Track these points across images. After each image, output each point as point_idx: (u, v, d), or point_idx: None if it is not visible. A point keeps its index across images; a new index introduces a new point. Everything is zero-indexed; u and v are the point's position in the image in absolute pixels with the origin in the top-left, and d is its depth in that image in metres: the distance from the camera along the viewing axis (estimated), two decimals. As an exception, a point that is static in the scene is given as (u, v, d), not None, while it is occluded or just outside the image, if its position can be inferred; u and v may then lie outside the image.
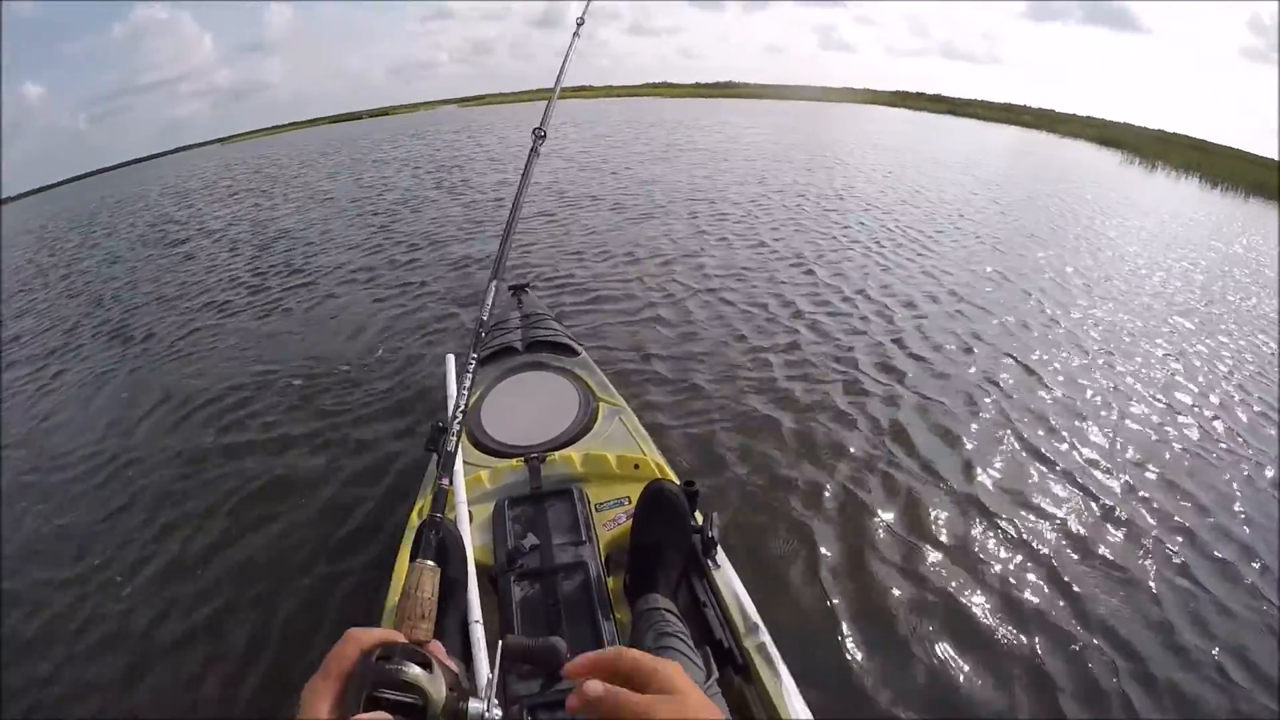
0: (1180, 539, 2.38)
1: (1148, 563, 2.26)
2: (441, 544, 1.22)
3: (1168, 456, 2.92)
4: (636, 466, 1.61)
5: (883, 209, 7.55)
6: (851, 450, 2.72)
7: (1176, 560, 2.26)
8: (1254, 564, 2.29)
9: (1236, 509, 2.58)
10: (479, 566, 1.30)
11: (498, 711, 0.48)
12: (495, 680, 0.53)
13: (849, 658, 1.78)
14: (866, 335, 3.91)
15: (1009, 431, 2.97)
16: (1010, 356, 3.74)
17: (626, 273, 5.05)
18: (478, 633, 1.08)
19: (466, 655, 1.08)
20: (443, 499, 1.54)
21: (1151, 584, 2.15)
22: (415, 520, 1.42)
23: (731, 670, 1.17)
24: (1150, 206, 10.20)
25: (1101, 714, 1.70)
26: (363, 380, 3.48)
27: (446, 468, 1.71)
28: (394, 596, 1.30)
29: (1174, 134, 24.79)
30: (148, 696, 1.79)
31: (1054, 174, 13.13)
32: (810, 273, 5.08)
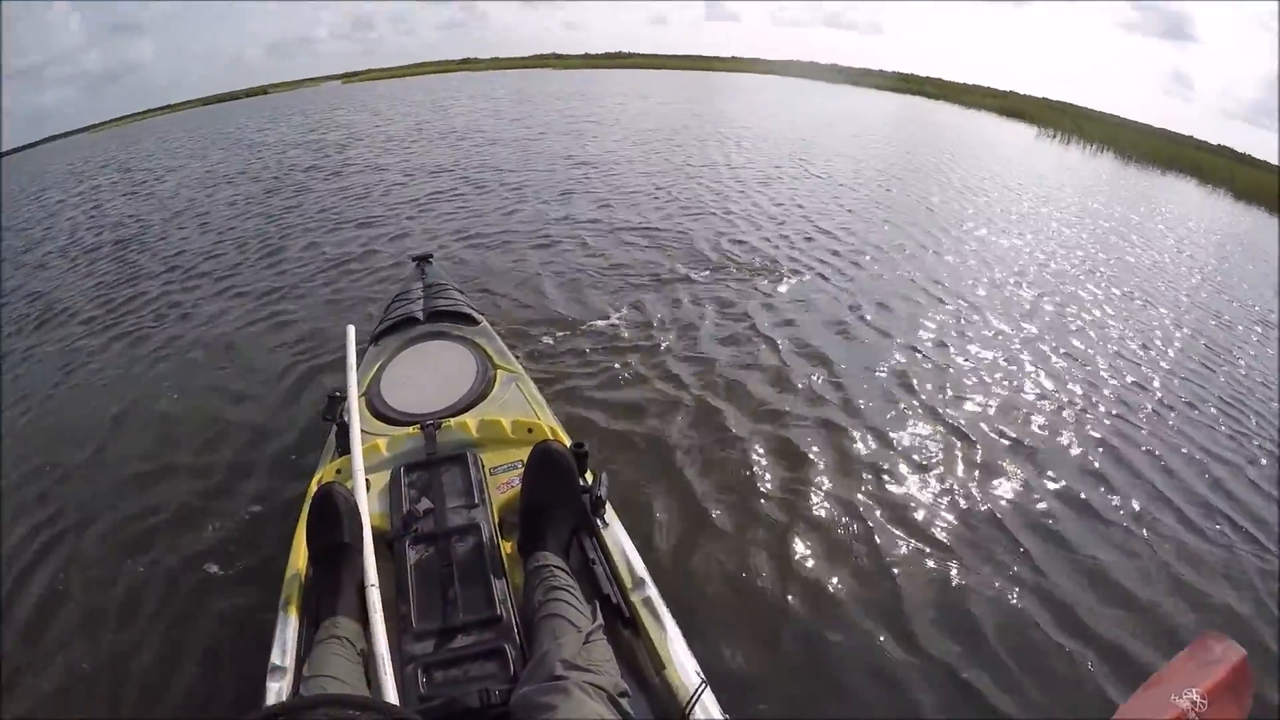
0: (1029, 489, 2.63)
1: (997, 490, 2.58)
2: (337, 511, 1.17)
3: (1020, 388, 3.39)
4: (530, 430, 1.65)
5: (765, 174, 7.98)
6: (742, 412, 2.87)
7: (1025, 511, 2.48)
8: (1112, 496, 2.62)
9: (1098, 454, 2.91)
10: (376, 532, 1.32)
11: None
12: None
13: (735, 611, 1.89)
14: (759, 302, 4.11)
15: (897, 385, 3.23)
16: (900, 311, 4.14)
17: (521, 242, 5.11)
18: (374, 597, 1.11)
19: (364, 619, 1.11)
20: (342, 468, 1.46)
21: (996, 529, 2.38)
22: (314, 489, 1.43)
23: (620, 624, 1.22)
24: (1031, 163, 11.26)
25: (972, 654, 1.88)
26: (261, 365, 3.35)
27: (343, 437, 1.63)
28: (293, 565, 1.31)
29: (1059, 101, 26.82)
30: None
31: (933, 132, 14.29)
32: (696, 224, 5.48)
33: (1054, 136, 18.33)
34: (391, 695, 0.94)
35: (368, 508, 1.32)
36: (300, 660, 1.09)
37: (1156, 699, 1.71)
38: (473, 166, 8.17)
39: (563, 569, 1.23)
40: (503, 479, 1.54)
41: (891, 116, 18.84)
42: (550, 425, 1.71)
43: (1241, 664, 1.85)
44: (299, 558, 1.31)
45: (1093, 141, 17.79)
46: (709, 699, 1.06)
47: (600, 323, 3.65)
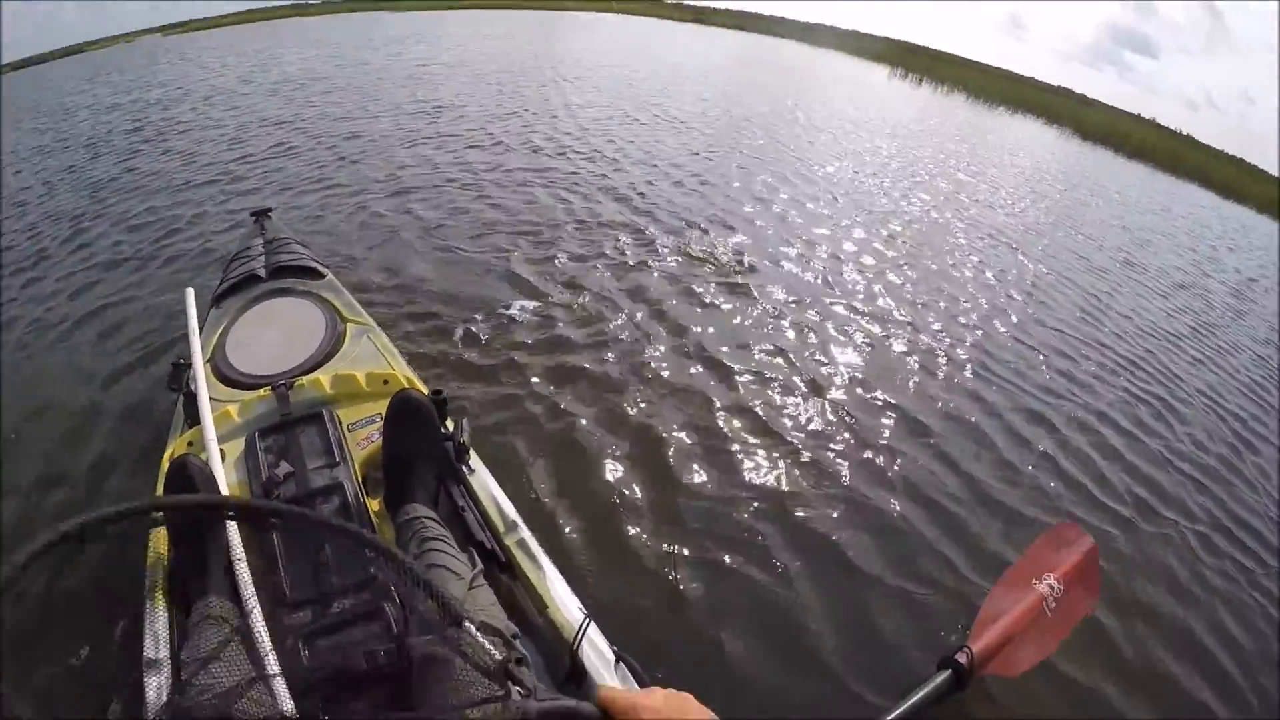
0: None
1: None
2: (193, 484, 1.17)
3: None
4: (386, 382, 1.62)
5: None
6: (597, 351, 2.91)
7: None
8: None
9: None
10: None
11: None
12: None
13: (608, 546, 1.93)
14: (613, 246, 4.11)
15: (763, 314, 3.41)
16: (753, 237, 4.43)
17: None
18: (242, 571, 1.04)
19: (235, 595, 1.04)
20: (194, 439, 1.41)
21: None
22: (166, 466, 1.32)
23: (497, 569, 1.23)
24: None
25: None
26: (93, 344, 2.94)
27: (191, 407, 1.51)
28: (154, 550, 1.21)
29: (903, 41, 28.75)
30: None
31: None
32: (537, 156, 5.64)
33: (905, 77, 19.57)
34: (274, 670, 0.88)
35: (225, 478, 1.29)
36: (176, 649, 1.03)
37: (1018, 586, 1.90)
38: (310, 118, 7.54)
39: (434, 519, 1.22)
40: (362, 434, 1.51)
41: (741, 57, 19.35)
42: (406, 375, 1.70)
43: (1092, 551, 2.10)
44: (159, 541, 1.22)
45: (945, 83, 19.24)
46: (594, 632, 1.09)
47: (448, 269, 3.59)
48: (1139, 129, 19.67)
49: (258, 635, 0.93)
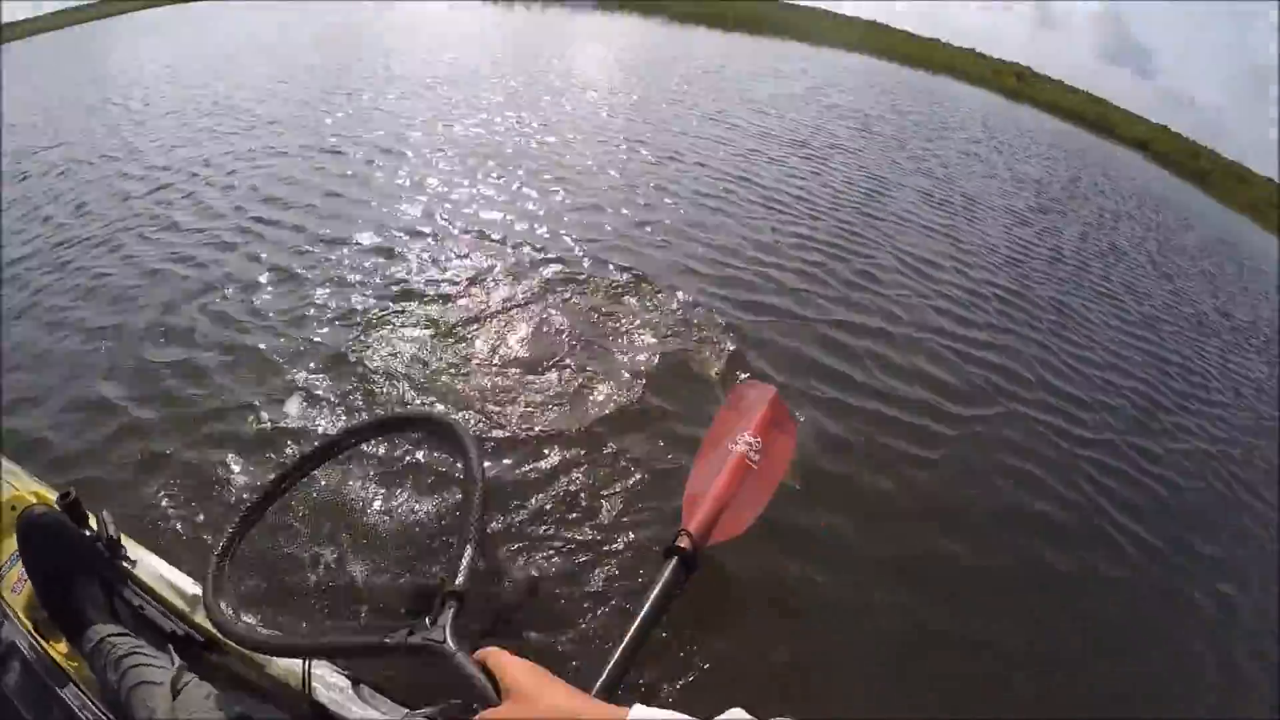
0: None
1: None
2: None
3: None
4: (14, 509, 1.35)
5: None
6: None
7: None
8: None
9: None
10: None
11: None
12: None
13: (292, 582, 1.65)
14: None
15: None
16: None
17: None
18: None
19: None
20: None
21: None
22: None
23: (202, 650, 1.18)
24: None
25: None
26: None
27: None
28: None
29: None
30: None
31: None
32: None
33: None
34: None
35: None
36: None
37: (717, 454, 1.98)
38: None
39: (119, 633, 1.14)
40: (12, 578, 1.29)
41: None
42: (32, 491, 1.45)
43: (775, 399, 2.30)
44: None
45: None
46: (320, 668, 1.08)
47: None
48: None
49: None
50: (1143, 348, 4.05)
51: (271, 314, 2.74)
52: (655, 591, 1.38)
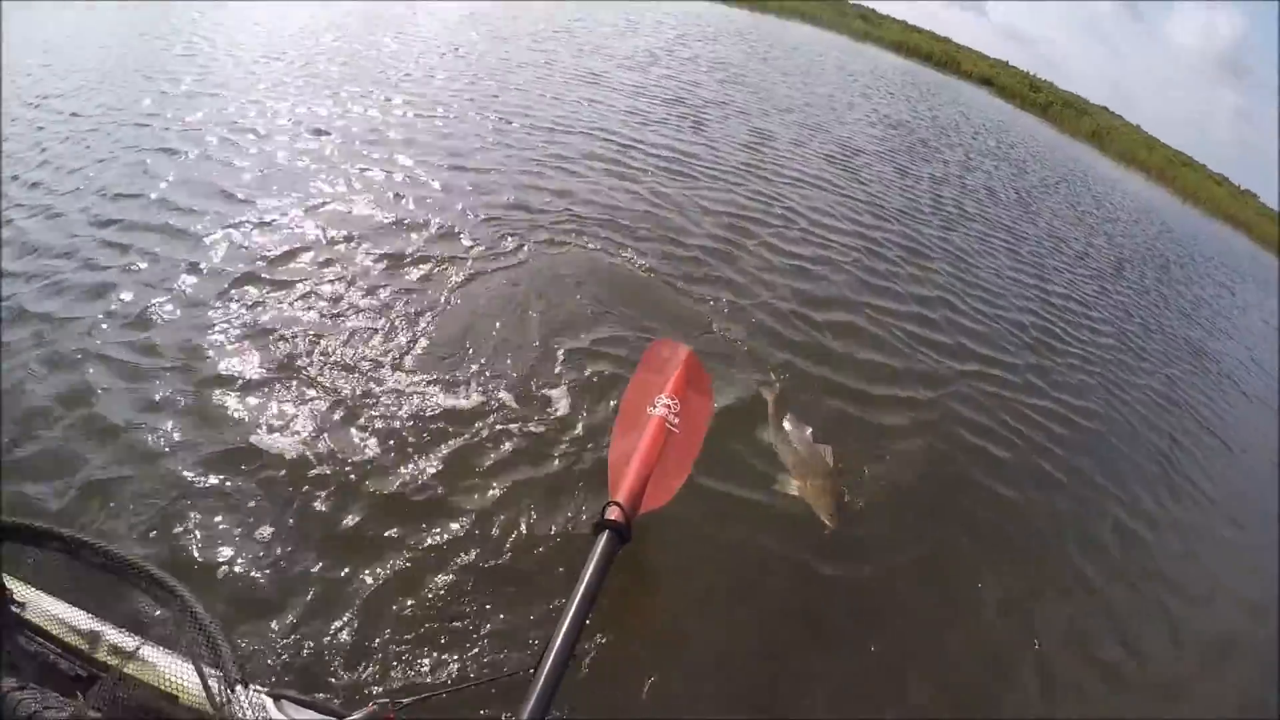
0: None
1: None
2: None
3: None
4: None
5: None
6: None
7: None
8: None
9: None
10: None
11: None
12: None
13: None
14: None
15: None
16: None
17: None
18: None
19: None
20: None
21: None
22: None
23: (111, 686, 1.08)
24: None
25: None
26: None
27: None
28: None
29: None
30: None
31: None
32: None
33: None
34: None
35: None
36: None
37: (636, 420, 1.88)
38: None
39: (21, 687, 0.99)
40: None
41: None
42: None
43: (690, 358, 2.25)
44: None
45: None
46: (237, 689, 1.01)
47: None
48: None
49: None
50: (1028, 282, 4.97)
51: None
52: (589, 570, 1.33)
